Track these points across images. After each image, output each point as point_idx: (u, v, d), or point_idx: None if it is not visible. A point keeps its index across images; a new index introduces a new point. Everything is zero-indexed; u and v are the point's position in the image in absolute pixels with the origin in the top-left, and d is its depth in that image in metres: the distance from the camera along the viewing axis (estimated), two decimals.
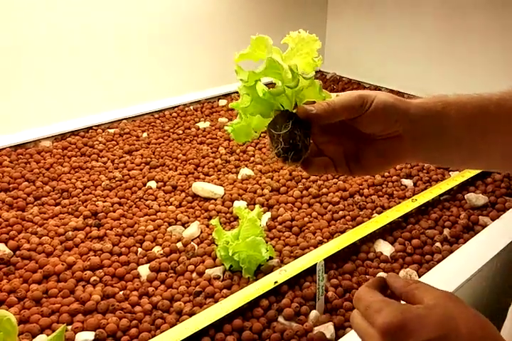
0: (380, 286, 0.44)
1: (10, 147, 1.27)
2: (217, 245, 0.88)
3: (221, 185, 1.13)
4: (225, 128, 0.50)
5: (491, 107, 0.48)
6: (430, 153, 0.50)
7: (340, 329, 0.75)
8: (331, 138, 0.50)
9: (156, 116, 1.50)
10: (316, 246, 0.91)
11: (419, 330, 0.37)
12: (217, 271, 0.86)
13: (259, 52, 0.46)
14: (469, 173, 1.13)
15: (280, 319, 0.76)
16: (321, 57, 0.49)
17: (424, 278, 0.81)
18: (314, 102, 0.46)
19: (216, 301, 0.78)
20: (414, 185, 1.14)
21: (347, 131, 0.49)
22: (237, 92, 1.63)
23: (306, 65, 0.48)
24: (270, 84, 0.47)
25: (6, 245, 0.90)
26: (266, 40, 0.46)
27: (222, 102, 1.61)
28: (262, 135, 1.43)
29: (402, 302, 0.42)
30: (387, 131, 0.48)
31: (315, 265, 0.78)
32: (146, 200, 1.08)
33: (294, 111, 0.46)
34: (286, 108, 0.46)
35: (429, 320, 0.37)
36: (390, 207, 1.03)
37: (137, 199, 1.08)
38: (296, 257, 0.87)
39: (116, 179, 1.15)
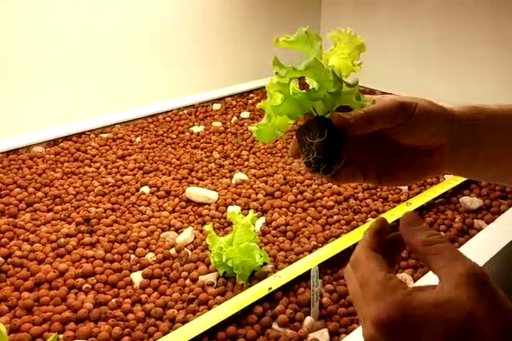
0: (382, 237, 0.38)
1: (2, 153, 1.26)
2: (210, 251, 0.87)
3: (215, 190, 1.12)
4: (250, 128, 0.47)
5: None
6: (468, 166, 0.47)
7: (335, 335, 0.74)
8: (363, 146, 0.46)
9: (150, 120, 1.49)
10: (310, 251, 0.90)
11: (418, 335, 0.30)
12: (210, 277, 0.85)
13: (303, 46, 0.43)
14: None
15: (274, 326, 0.76)
16: (361, 62, 0.46)
17: (419, 283, 0.80)
18: (348, 107, 0.42)
19: (210, 308, 0.77)
20: (409, 188, 1.13)
21: (381, 140, 0.45)
22: (231, 96, 1.62)
23: (344, 68, 0.45)
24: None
25: None
26: (314, 37, 0.42)
27: (216, 106, 1.61)
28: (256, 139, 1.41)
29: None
30: (428, 142, 0.44)
31: (309, 270, 0.77)
32: (139, 206, 1.07)
33: (327, 115, 0.42)
34: (319, 112, 0.42)
35: (433, 325, 0.30)
36: (384, 211, 1.02)
37: (130, 205, 1.07)
38: (290, 263, 0.87)
39: (109, 184, 1.14)
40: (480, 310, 0.29)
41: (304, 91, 0.42)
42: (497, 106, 0.46)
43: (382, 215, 0.99)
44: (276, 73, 0.42)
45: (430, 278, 0.81)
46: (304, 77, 0.42)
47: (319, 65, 0.41)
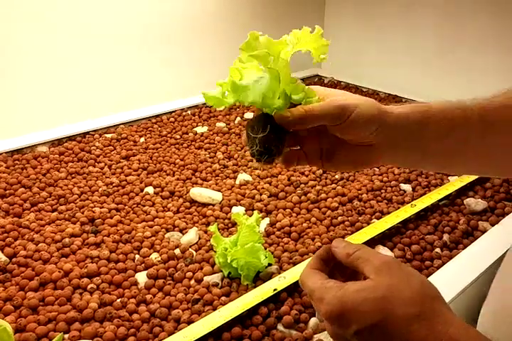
0: (325, 260, 0.46)
1: (6, 152, 1.26)
2: (215, 251, 0.87)
3: (219, 191, 1.12)
4: (201, 92, 0.51)
5: (472, 119, 0.48)
6: (403, 162, 0.53)
7: None
8: (309, 134, 0.51)
9: (154, 120, 1.49)
10: (315, 252, 0.90)
11: (358, 317, 0.39)
12: (215, 278, 0.85)
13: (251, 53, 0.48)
14: (468, 178, 1.13)
15: (279, 326, 0.76)
16: (326, 56, 0.51)
17: None
18: (296, 105, 0.47)
19: (215, 309, 0.77)
20: (413, 190, 1.13)
21: (324, 131, 0.49)
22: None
23: (315, 55, 0.50)
24: None
25: (2, 252, 0.89)
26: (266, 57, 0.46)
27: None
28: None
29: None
30: (362, 140, 0.48)
31: None
32: (144, 206, 1.07)
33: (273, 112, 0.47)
34: (265, 111, 0.47)
35: (367, 305, 0.39)
36: (389, 213, 1.02)
37: (135, 205, 1.07)
38: (295, 263, 0.87)
39: (114, 185, 1.14)
40: (396, 284, 0.40)
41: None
42: (441, 103, 0.50)
43: (387, 217, 0.99)
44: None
45: (435, 280, 0.81)
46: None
47: (275, 82, 0.46)
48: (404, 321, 0.38)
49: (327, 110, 0.45)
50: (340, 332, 0.40)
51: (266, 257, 0.83)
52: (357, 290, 0.40)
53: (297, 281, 0.81)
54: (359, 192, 1.11)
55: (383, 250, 0.92)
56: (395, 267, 0.41)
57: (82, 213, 1.03)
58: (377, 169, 1.20)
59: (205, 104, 1.62)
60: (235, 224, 0.99)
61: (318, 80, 1.92)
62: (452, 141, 0.49)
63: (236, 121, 1.51)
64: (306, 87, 0.48)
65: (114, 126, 1.44)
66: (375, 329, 0.38)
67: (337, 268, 0.47)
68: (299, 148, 0.51)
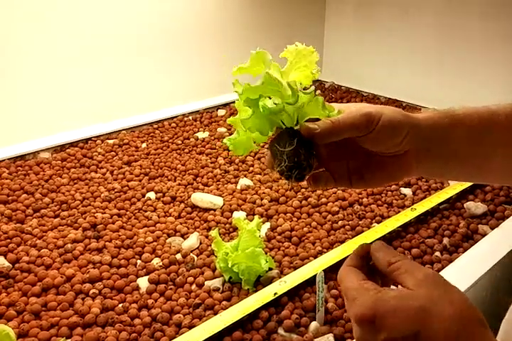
0: (363, 257, 0.44)
1: (9, 159, 1.27)
2: (216, 256, 0.87)
3: (220, 196, 1.13)
4: (223, 141, 0.49)
5: (499, 123, 0.47)
6: (435, 169, 0.50)
7: (341, 340, 0.75)
8: (333, 152, 0.49)
9: (155, 126, 1.50)
10: (315, 257, 0.91)
11: (391, 324, 0.36)
12: (216, 282, 0.85)
13: (258, 67, 0.46)
14: (468, 182, 1.13)
15: (280, 331, 0.76)
16: (319, 69, 0.49)
17: None
18: (318, 119, 0.45)
19: (216, 313, 0.78)
20: (413, 194, 1.14)
21: (350, 146, 0.47)
22: (235, 102, 1.64)
23: (305, 78, 0.48)
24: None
25: (5, 258, 0.90)
26: (264, 55, 0.45)
27: (221, 112, 1.62)
28: (262, 144, 1.42)
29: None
30: (393, 149, 0.46)
31: (315, 276, 0.77)
32: (146, 211, 1.08)
33: (297, 127, 0.45)
34: (288, 125, 0.45)
35: (403, 314, 0.36)
36: (389, 217, 1.03)
37: (136, 211, 1.08)
38: (295, 268, 0.87)
39: (116, 190, 1.15)
40: (439, 299, 0.37)
41: (267, 106, 0.45)
42: (467, 109, 0.48)
43: (387, 220, 0.99)
44: (236, 92, 0.45)
45: None
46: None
47: (274, 81, 0.44)
48: (442, 338, 0.35)
49: (354, 119, 0.44)
50: (368, 337, 0.38)
51: (266, 261, 0.84)
52: (395, 296, 0.37)
53: (298, 285, 0.82)
54: (359, 196, 1.12)
55: None
56: (437, 281, 0.38)
57: (84, 219, 1.03)
58: None
59: (206, 109, 1.63)
60: (236, 229, 0.99)
61: (318, 85, 1.92)
62: (482, 146, 0.47)
63: None
64: (326, 103, 0.46)
65: (116, 131, 1.45)
66: None
67: (375, 270, 0.44)
68: (323, 169, 0.49)
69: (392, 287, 0.42)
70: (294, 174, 0.43)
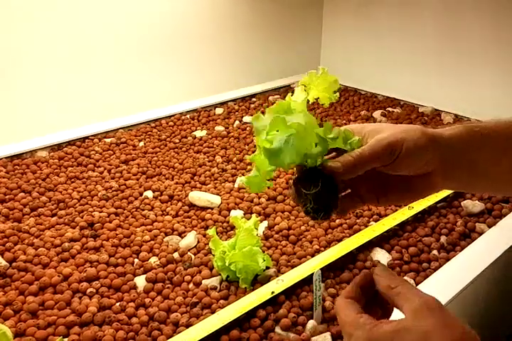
0: (364, 288, 0.44)
1: (6, 158, 1.27)
2: (213, 255, 0.87)
3: (218, 194, 1.12)
4: (240, 179, 0.49)
5: None
6: (461, 185, 0.50)
7: (338, 339, 0.75)
8: (358, 178, 0.48)
9: (153, 125, 1.50)
10: (313, 255, 0.91)
11: None
12: (214, 281, 0.85)
13: (281, 127, 0.44)
14: None
15: (277, 329, 0.76)
16: (337, 96, 0.50)
17: (421, 286, 0.81)
18: (339, 149, 0.45)
19: (213, 312, 0.78)
20: None
21: (375, 172, 0.47)
22: (233, 100, 1.64)
23: (323, 98, 0.49)
24: None
25: (2, 257, 0.90)
26: (283, 121, 0.43)
27: (219, 110, 1.61)
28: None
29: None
30: (417, 172, 0.46)
31: (312, 274, 0.77)
32: (143, 210, 1.08)
33: (318, 163, 0.44)
34: (310, 164, 0.44)
35: None
36: (386, 215, 1.03)
37: (134, 210, 1.08)
38: (293, 266, 0.87)
39: (113, 189, 1.15)
40: (434, 330, 0.36)
41: (268, 146, 0.44)
42: (493, 122, 0.47)
43: (384, 219, 0.99)
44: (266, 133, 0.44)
45: (432, 282, 0.82)
46: None
47: (304, 132, 0.43)
48: None
49: (376, 152, 0.43)
50: None
51: (264, 260, 0.84)
52: (391, 330, 0.37)
53: (295, 284, 0.82)
54: None
55: (381, 252, 0.93)
56: (435, 310, 0.38)
57: (82, 217, 1.03)
58: None
59: (204, 108, 1.63)
60: (233, 228, 0.99)
61: None
62: (508, 161, 0.47)
63: (235, 125, 1.51)
64: (343, 128, 0.46)
65: (114, 130, 1.45)
66: None
67: (376, 299, 0.44)
68: (349, 191, 0.49)
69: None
70: (320, 216, 0.43)
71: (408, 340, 0.36)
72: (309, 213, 0.43)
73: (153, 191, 1.15)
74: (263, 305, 0.78)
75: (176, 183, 1.19)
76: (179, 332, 0.73)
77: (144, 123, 1.51)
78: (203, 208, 1.08)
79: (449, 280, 0.82)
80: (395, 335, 0.37)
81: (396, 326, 0.37)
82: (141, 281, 0.87)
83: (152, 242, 0.96)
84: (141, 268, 0.89)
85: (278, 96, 1.74)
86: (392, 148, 0.43)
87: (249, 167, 1.26)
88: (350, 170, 0.43)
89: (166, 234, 0.99)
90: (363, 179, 0.48)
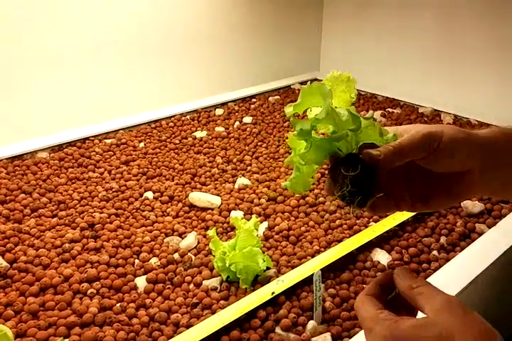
0: (384, 286, 0.44)
1: (6, 159, 1.27)
2: (214, 256, 0.88)
3: (218, 195, 1.13)
4: (283, 184, 0.49)
5: None
6: (500, 187, 0.49)
7: (338, 339, 0.75)
8: (394, 176, 0.48)
9: (153, 126, 1.50)
10: (313, 256, 0.91)
11: None
12: (214, 282, 0.86)
13: (312, 100, 0.45)
14: None
15: (277, 330, 0.76)
16: (356, 93, 0.50)
17: None
18: (373, 144, 0.44)
19: (213, 312, 0.78)
20: None
21: (412, 169, 0.47)
22: (233, 101, 1.63)
23: (344, 102, 0.49)
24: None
25: (3, 258, 0.90)
26: (322, 88, 0.44)
27: (219, 111, 1.62)
28: (259, 144, 1.41)
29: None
30: (456, 168, 0.45)
31: (312, 275, 0.78)
32: (143, 211, 1.08)
33: (354, 149, 0.44)
34: (345, 152, 0.44)
35: None
36: (386, 216, 1.03)
37: (134, 210, 1.08)
38: (293, 267, 0.87)
39: (113, 190, 1.15)
40: (455, 327, 0.36)
41: (323, 136, 0.44)
42: None
43: (384, 220, 1.00)
44: (301, 129, 0.43)
45: (432, 283, 0.82)
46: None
47: (333, 111, 0.43)
48: None
49: (415, 141, 0.43)
50: None
51: (264, 261, 0.84)
52: (412, 325, 0.37)
53: (295, 285, 0.82)
54: None
55: (381, 253, 0.93)
56: (458, 309, 0.38)
57: (82, 218, 1.03)
58: None
59: (204, 108, 1.63)
60: (233, 228, 1.00)
61: None
62: None
63: (235, 126, 1.52)
64: (382, 127, 0.46)
65: (114, 131, 1.45)
66: None
67: (397, 300, 0.44)
68: (382, 195, 0.47)
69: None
70: (357, 199, 0.42)
71: (429, 336, 0.36)
72: (345, 197, 0.42)
73: (154, 192, 1.15)
74: (263, 306, 0.79)
75: (176, 184, 1.19)
76: (180, 333, 0.74)
77: (144, 124, 1.51)
78: (203, 209, 1.09)
79: (448, 281, 0.82)
80: (416, 331, 0.36)
81: (417, 321, 0.37)
82: (141, 282, 0.87)
83: (152, 243, 0.97)
84: (142, 269, 0.89)
85: (278, 97, 1.74)
86: (431, 138, 0.43)
87: (248, 168, 1.27)
88: (389, 158, 0.42)
89: (167, 235, 1.00)
90: (398, 180, 0.47)
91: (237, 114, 1.61)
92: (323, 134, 0.45)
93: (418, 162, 0.45)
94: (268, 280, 0.85)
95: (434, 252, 0.93)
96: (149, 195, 1.14)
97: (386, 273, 0.44)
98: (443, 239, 0.97)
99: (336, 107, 0.44)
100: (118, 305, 0.81)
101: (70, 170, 1.24)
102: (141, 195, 1.14)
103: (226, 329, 0.74)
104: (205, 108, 1.64)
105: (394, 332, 0.37)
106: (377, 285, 0.44)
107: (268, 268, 0.87)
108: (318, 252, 0.92)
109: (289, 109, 0.45)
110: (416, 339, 0.36)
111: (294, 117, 0.44)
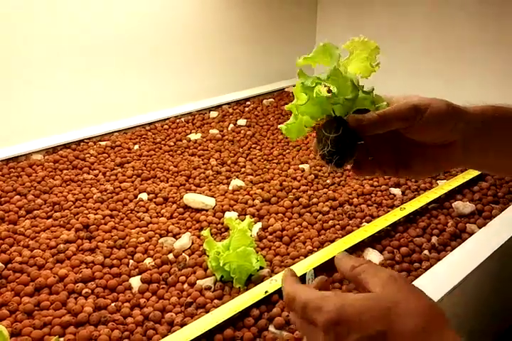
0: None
1: (1, 161, 1.27)
2: (208, 256, 0.88)
3: (212, 196, 1.13)
4: (279, 126, 0.52)
5: None
6: (482, 160, 0.50)
7: None
8: (381, 142, 0.50)
9: (148, 128, 1.51)
10: (306, 256, 0.92)
11: (359, 326, 0.36)
12: (208, 281, 0.86)
13: (323, 58, 0.47)
14: (456, 182, 1.15)
15: (271, 328, 0.77)
16: (379, 64, 0.51)
17: None
18: (366, 110, 0.46)
19: (207, 311, 0.79)
20: (403, 193, 1.15)
21: (398, 136, 0.48)
22: (227, 104, 1.64)
23: (365, 70, 0.50)
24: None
25: None
26: (332, 49, 0.47)
27: (214, 114, 1.63)
28: (253, 146, 1.41)
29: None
30: (440, 139, 0.47)
31: (305, 274, 0.78)
32: (138, 212, 1.09)
33: (345, 117, 0.47)
34: (338, 114, 0.47)
35: (369, 314, 0.36)
36: (378, 216, 1.04)
37: (129, 212, 1.09)
38: (286, 267, 0.88)
39: (108, 191, 1.16)
40: (403, 301, 0.37)
41: (325, 95, 0.47)
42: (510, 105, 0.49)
43: (377, 220, 1.01)
44: (303, 83, 0.47)
45: (423, 282, 0.83)
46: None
47: (339, 74, 0.46)
48: (409, 333, 0.35)
49: (400, 112, 0.45)
50: None
51: (258, 260, 0.85)
52: (360, 298, 0.38)
53: None
54: (350, 196, 1.13)
55: (373, 252, 0.94)
56: (402, 282, 0.39)
57: (77, 220, 1.04)
58: None
59: (199, 111, 1.64)
60: (227, 229, 1.00)
61: None
62: None
63: (229, 128, 1.53)
64: (374, 94, 0.49)
65: (109, 133, 1.46)
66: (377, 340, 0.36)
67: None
68: (371, 158, 0.50)
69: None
70: (335, 159, 0.45)
71: (378, 306, 0.37)
72: (325, 156, 0.45)
73: (148, 193, 1.16)
74: (257, 305, 0.79)
75: (171, 186, 1.20)
76: (174, 332, 0.74)
77: (138, 126, 1.51)
78: (198, 210, 1.09)
79: (439, 280, 0.83)
80: (366, 301, 0.37)
81: (365, 295, 0.38)
82: (136, 282, 0.87)
83: (147, 244, 0.97)
84: (136, 269, 0.90)
85: (272, 99, 1.75)
86: (416, 110, 0.45)
87: (243, 170, 1.28)
88: (372, 125, 0.45)
89: (161, 236, 1.00)
90: (385, 145, 0.49)
91: (231, 116, 1.62)
92: (330, 91, 0.47)
93: (401, 131, 0.47)
94: (261, 279, 0.86)
95: (426, 252, 0.94)
96: (144, 196, 1.15)
97: (290, 270, 0.48)
98: (434, 239, 0.98)
99: (345, 72, 0.47)
100: (113, 304, 0.82)
101: (64, 172, 1.25)
102: (136, 197, 1.15)
103: (220, 328, 0.75)
104: (200, 110, 1.64)
105: (343, 305, 0.37)
106: (293, 276, 0.46)
107: (261, 268, 0.88)
108: (311, 252, 0.93)
109: (300, 59, 0.49)
110: (364, 310, 0.36)
111: (303, 73, 0.47)
